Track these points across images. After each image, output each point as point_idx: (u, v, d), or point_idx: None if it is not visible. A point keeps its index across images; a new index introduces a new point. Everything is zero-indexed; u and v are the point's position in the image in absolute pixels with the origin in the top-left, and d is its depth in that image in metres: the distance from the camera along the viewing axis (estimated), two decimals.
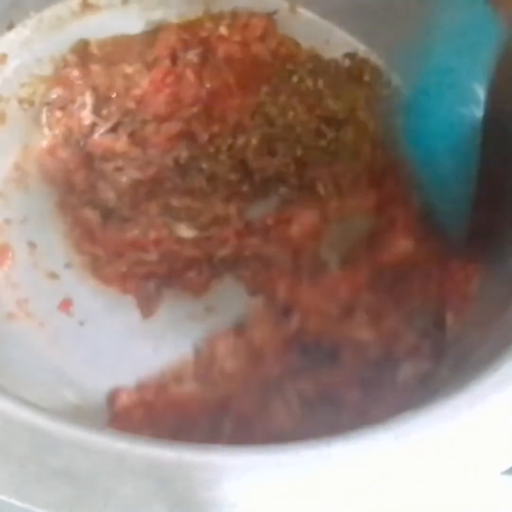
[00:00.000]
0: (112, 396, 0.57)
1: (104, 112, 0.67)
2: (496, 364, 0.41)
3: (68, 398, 0.57)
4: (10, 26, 0.69)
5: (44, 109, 0.67)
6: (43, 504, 0.34)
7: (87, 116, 0.67)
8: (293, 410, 0.55)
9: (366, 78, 0.71)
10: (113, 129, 0.67)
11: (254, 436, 0.54)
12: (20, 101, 0.68)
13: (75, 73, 0.69)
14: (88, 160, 0.66)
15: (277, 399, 0.56)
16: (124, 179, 0.65)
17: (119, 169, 0.66)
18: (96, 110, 0.67)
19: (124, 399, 0.56)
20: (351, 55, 0.72)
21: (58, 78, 0.69)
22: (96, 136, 0.67)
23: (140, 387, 0.56)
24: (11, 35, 0.69)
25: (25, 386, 0.54)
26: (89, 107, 0.68)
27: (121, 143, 0.66)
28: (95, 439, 0.37)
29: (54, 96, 0.68)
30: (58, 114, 0.67)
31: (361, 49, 0.74)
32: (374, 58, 0.73)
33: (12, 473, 0.35)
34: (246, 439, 0.54)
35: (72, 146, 0.66)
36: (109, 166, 0.65)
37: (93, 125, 0.67)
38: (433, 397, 0.41)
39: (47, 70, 0.70)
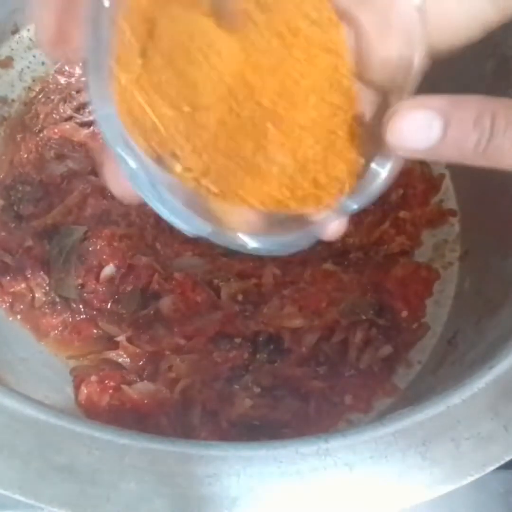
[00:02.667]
0: (76, 389, 0.58)
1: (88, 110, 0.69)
2: (491, 362, 0.41)
3: (72, 396, 0.58)
4: (15, 31, 0.69)
5: (41, 95, 0.69)
6: (47, 500, 0.35)
7: (66, 109, 0.68)
8: (256, 397, 0.57)
9: None
10: (86, 125, 0.68)
11: (221, 423, 0.56)
12: (25, 104, 0.69)
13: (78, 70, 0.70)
14: (41, 144, 0.67)
15: (238, 388, 0.58)
16: (61, 169, 0.66)
17: (60, 157, 0.67)
18: (79, 107, 0.69)
19: (85, 392, 0.57)
20: None
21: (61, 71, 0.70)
22: (60, 124, 0.68)
23: (100, 382, 0.58)
24: (15, 39, 0.70)
25: (30, 384, 0.55)
26: (74, 103, 0.69)
27: (81, 134, 0.67)
28: (98, 435, 0.37)
29: (52, 85, 0.69)
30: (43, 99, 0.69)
31: None
32: None
33: (16, 469, 0.36)
34: (214, 428, 0.56)
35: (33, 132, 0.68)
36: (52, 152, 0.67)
37: (70, 117, 0.68)
38: (428, 395, 0.41)
39: (50, 73, 0.71)
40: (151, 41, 0.27)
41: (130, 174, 0.27)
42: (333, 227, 0.32)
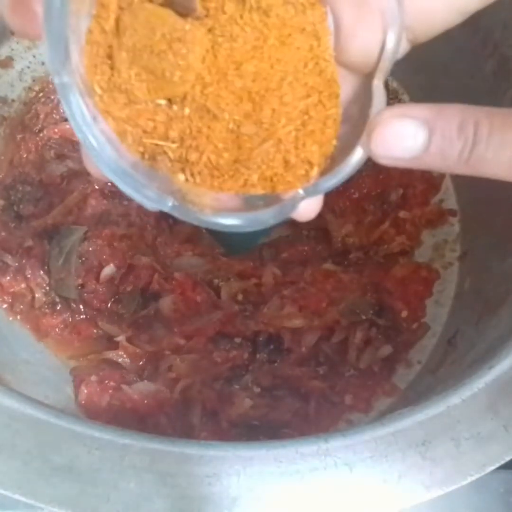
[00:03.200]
0: (77, 389, 0.58)
1: None
2: (491, 362, 0.41)
3: (72, 396, 0.58)
4: None
5: (41, 95, 0.69)
6: (46, 500, 0.35)
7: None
8: (256, 397, 0.57)
9: None
10: None
11: (221, 423, 0.56)
12: (25, 104, 0.69)
13: None
14: (41, 143, 0.67)
15: (238, 388, 0.58)
16: (61, 169, 0.66)
17: (60, 157, 0.67)
18: None
19: (85, 392, 0.57)
20: None
21: None
22: (60, 124, 0.68)
23: (100, 382, 0.58)
24: (15, 39, 0.69)
25: (30, 384, 0.55)
26: None
27: None
28: (98, 435, 0.37)
29: (52, 85, 0.69)
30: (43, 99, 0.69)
31: None
32: None
33: (16, 469, 0.36)
34: (214, 428, 0.56)
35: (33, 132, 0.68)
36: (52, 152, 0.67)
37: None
38: (428, 395, 0.41)
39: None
40: (116, 39, 0.28)
41: (87, 145, 0.27)
42: (307, 207, 0.32)
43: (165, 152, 0.29)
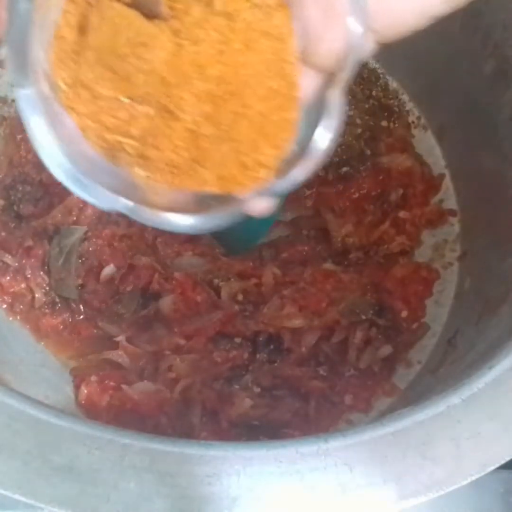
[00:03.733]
0: (77, 389, 0.58)
1: None
2: (491, 362, 0.41)
3: (72, 396, 0.58)
4: None
5: None
6: (46, 500, 0.35)
7: None
8: (256, 397, 0.57)
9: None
10: None
11: (221, 423, 0.57)
12: None
13: None
14: None
15: (238, 388, 0.58)
16: None
17: None
18: None
19: (85, 392, 0.57)
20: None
21: None
22: None
23: (100, 382, 0.58)
24: None
25: (30, 384, 0.55)
26: None
27: None
28: (98, 435, 0.37)
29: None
30: None
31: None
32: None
33: (16, 469, 0.36)
34: (214, 428, 0.56)
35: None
36: None
37: None
38: (428, 395, 0.41)
39: None
40: (83, 36, 0.28)
41: (39, 149, 0.27)
42: (261, 204, 0.32)
43: (125, 149, 0.29)
